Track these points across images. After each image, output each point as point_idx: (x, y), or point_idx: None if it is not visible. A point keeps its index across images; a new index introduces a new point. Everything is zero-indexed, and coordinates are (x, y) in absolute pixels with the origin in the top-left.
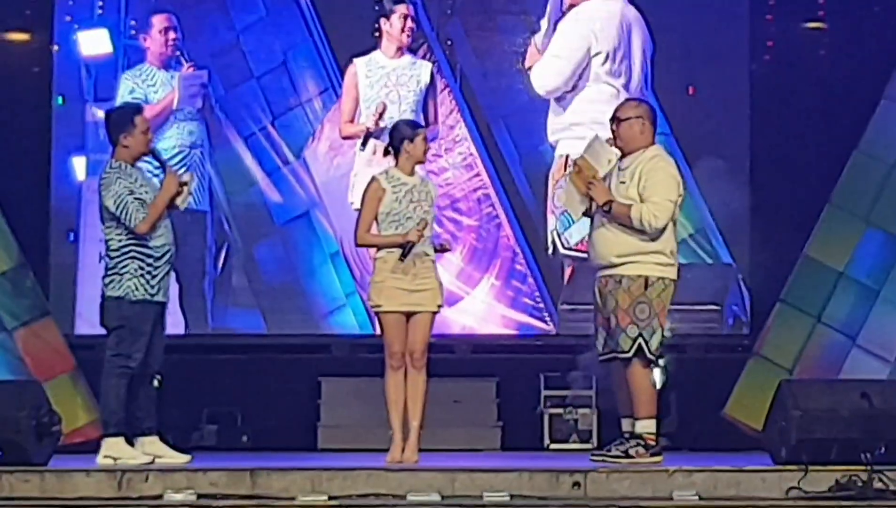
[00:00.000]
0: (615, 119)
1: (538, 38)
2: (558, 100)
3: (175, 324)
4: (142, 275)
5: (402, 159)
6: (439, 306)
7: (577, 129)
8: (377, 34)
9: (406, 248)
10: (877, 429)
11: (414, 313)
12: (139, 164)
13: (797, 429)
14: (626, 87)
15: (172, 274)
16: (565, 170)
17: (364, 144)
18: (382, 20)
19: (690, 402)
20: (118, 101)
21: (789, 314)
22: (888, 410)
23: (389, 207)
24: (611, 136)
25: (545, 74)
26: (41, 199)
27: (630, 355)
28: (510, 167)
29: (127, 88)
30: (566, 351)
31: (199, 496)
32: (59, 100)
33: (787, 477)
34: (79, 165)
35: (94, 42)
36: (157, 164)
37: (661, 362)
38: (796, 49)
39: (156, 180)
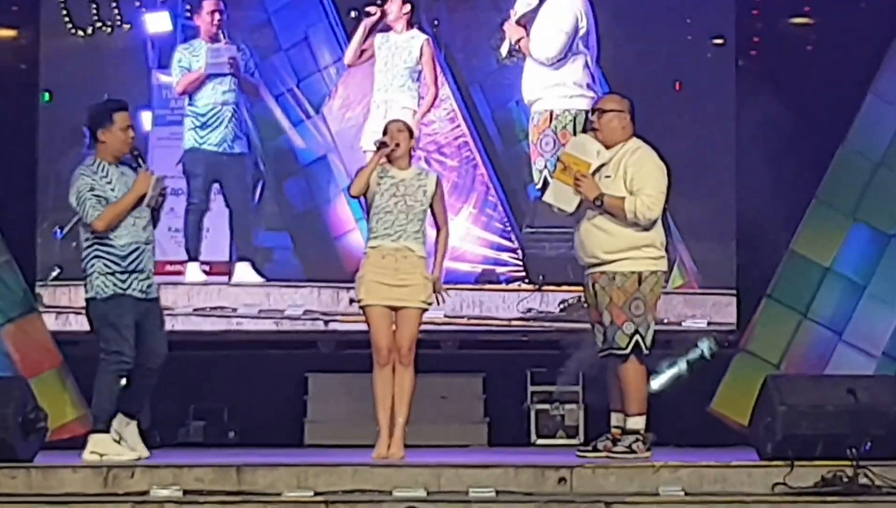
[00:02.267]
0: (598, 110)
1: (520, 7)
2: (538, 64)
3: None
4: (108, 273)
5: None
6: (425, 303)
7: (559, 88)
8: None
9: (379, 146)
10: (862, 425)
11: (398, 308)
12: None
13: (783, 425)
14: (595, 59)
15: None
16: (550, 122)
17: None
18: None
19: (676, 397)
20: (172, 68)
21: (776, 310)
22: (874, 405)
23: (371, 199)
24: (591, 124)
25: (551, 45)
26: (28, 195)
27: (627, 351)
28: (484, 120)
29: (177, 58)
30: (553, 347)
31: (186, 492)
32: (46, 96)
33: (772, 473)
34: (146, 118)
35: (157, 22)
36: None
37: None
38: (783, 44)
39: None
